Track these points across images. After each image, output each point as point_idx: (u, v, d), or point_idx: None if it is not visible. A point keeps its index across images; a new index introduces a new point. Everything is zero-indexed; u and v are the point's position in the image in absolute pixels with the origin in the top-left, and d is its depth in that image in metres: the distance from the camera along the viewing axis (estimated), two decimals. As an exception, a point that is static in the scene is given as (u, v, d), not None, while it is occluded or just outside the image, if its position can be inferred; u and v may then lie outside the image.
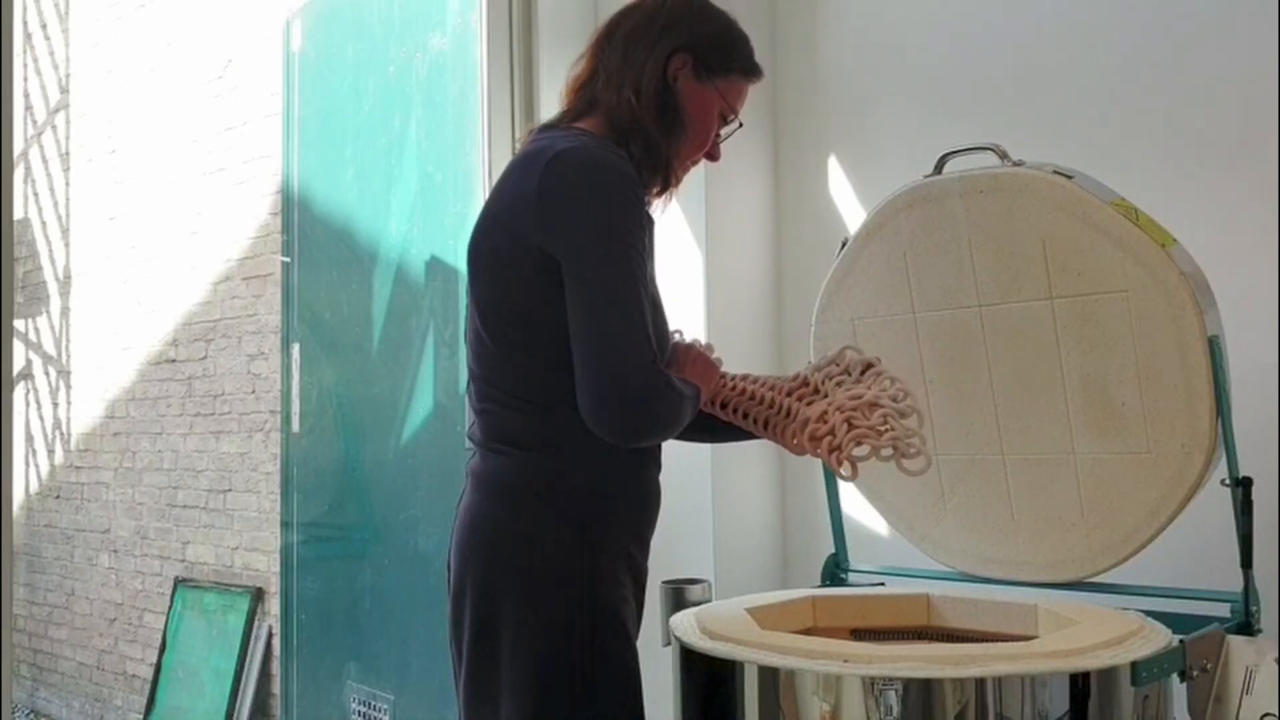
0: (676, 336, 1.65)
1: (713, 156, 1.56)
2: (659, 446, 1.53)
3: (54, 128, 5.59)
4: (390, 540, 2.85)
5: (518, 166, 1.46)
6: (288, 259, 3.24)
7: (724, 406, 1.61)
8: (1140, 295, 1.58)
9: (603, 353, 1.33)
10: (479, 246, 1.46)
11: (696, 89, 1.50)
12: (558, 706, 1.39)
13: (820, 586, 1.96)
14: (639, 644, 1.49)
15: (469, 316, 1.50)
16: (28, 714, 5.48)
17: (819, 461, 2.01)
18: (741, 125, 1.57)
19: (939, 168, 1.79)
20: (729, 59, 1.52)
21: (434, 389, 2.70)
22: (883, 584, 1.94)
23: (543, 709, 1.38)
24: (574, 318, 1.36)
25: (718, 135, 1.55)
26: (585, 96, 1.50)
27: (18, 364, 5.60)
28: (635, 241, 1.38)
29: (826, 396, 1.54)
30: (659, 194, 1.53)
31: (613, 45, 1.50)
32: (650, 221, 1.46)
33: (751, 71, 1.55)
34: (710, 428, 1.64)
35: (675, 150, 1.50)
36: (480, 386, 1.47)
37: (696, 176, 1.86)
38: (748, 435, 1.65)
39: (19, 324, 5.63)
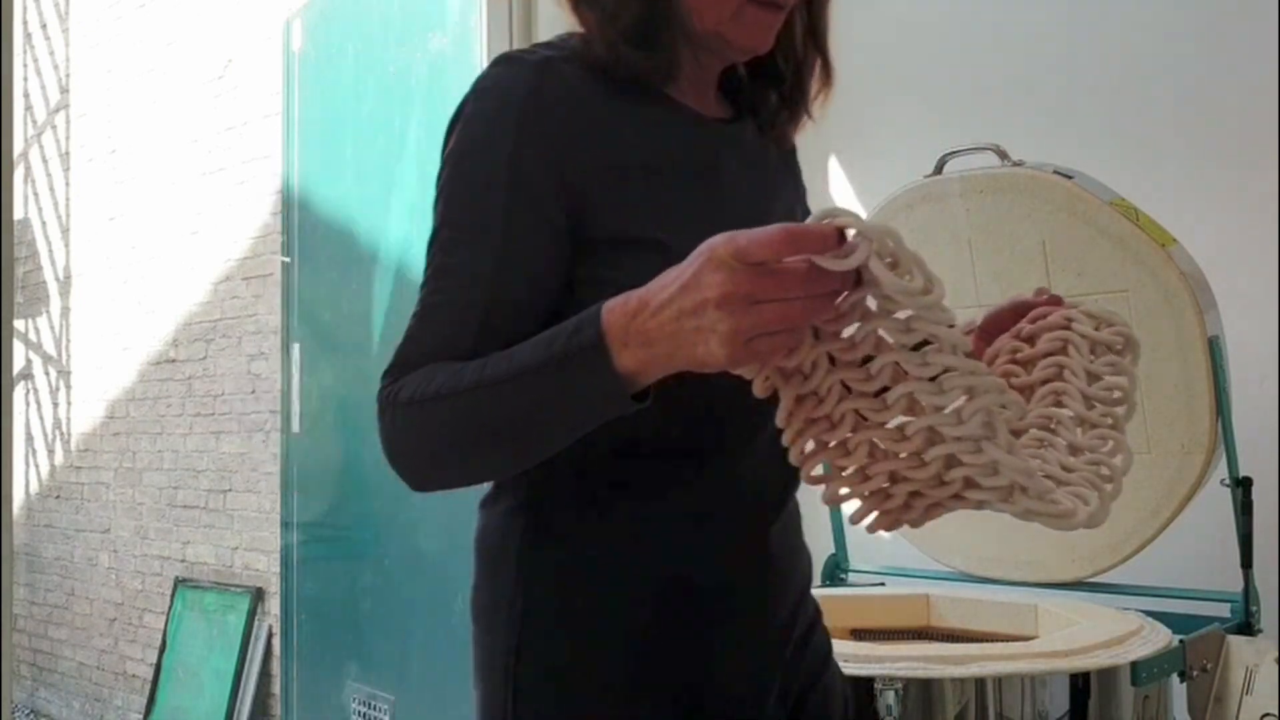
0: None
1: (776, 4, 0.95)
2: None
3: (54, 128, 5.59)
4: (390, 540, 2.85)
5: None
6: (288, 259, 3.24)
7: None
8: (1140, 295, 1.58)
9: None
10: None
11: None
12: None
13: (820, 586, 1.96)
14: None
15: None
16: (28, 714, 5.47)
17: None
18: None
19: (939, 168, 1.79)
20: None
21: (434, 389, 2.70)
22: (883, 584, 1.94)
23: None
24: None
25: None
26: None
27: (18, 364, 5.60)
28: (486, 170, 0.92)
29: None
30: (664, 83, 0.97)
31: None
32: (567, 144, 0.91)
33: None
34: None
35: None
36: None
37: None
38: None
39: (19, 324, 5.63)
